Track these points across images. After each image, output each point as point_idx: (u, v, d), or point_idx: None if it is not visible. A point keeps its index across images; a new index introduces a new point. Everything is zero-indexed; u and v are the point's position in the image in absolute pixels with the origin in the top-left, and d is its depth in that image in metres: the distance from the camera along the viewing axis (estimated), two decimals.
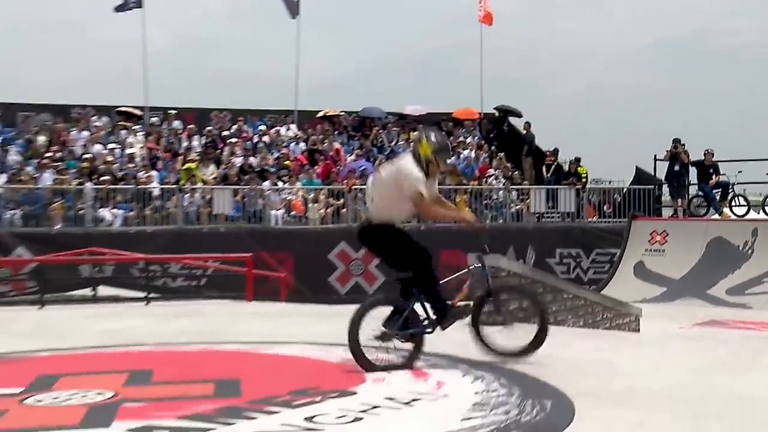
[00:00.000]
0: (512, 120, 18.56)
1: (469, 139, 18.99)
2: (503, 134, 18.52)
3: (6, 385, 4.52)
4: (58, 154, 16.32)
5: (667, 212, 14.41)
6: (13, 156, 16.20)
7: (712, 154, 13.77)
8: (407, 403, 3.82)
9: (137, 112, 19.12)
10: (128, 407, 3.80)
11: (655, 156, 14.92)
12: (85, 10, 57.91)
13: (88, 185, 14.91)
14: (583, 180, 15.71)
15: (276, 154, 18.14)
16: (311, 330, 7.37)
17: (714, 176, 13.55)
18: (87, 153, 16.61)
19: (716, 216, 13.03)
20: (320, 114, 19.35)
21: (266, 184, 15.89)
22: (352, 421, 3.43)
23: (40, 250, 12.42)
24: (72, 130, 17.80)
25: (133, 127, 18.29)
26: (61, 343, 6.68)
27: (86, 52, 51.65)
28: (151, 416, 3.55)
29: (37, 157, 16.09)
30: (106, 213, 14.59)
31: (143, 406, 3.89)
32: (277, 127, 19.79)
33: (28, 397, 4.14)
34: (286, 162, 17.42)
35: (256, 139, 19.13)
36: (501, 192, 15.15)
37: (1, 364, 5.67)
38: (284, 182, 16.13)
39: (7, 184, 14.86)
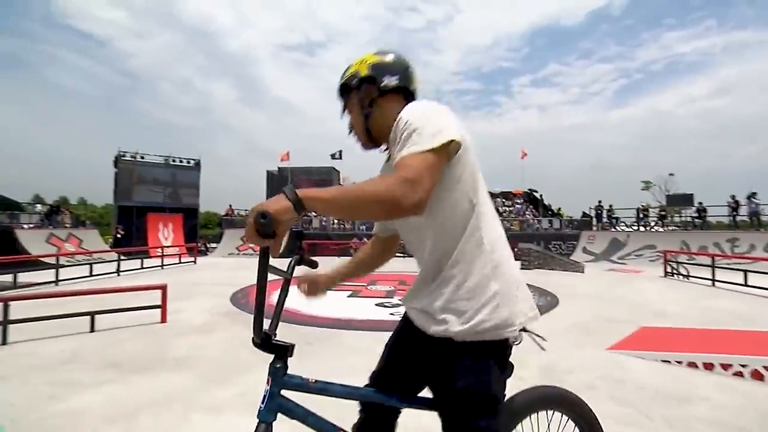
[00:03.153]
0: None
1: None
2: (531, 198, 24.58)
3: (360, 282, 8.39)
4: None
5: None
6: None
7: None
8: None
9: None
10: (399, 292, 7.19)
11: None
12: None
13: None
14: (562, 214, 22.06)
15: None
16: None
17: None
18: None
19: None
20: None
21: None
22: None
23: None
24: None
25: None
26: (377, 270, 11.20)
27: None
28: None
29: None
30: None
31: (404, 292, 7.36)
32: None
33: (367, 286, 7.88)
34: None
35: None
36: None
37: (360, 276, 10.05)
38: None
39: None
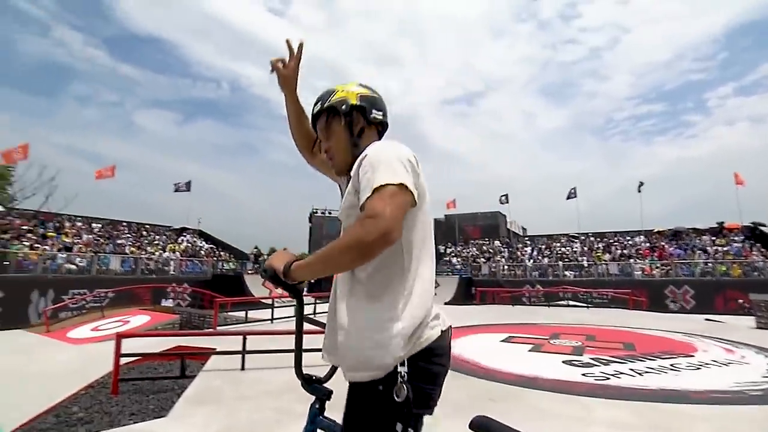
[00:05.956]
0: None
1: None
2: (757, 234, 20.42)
3: (541, 334, 7.62)
4: None
5: None
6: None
7: None
8: (725, 364, 5.09)
9: None
10: (589, 349, 6.19)
11: None
12: None
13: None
14: None
15: None
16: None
17: None
18: None
19: None
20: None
21: None
22: (696, 369, 4.91)
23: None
24: None
25: None
26: (557, 321, 9.89)
27: None
28: (598, 353, 5.84)
29: None
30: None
31: (594, 349, 6.17)
32: None
33: (549, 340, 7.05)
34: None
35: None
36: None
37: (539, 327, 8.75)
38: None
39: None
